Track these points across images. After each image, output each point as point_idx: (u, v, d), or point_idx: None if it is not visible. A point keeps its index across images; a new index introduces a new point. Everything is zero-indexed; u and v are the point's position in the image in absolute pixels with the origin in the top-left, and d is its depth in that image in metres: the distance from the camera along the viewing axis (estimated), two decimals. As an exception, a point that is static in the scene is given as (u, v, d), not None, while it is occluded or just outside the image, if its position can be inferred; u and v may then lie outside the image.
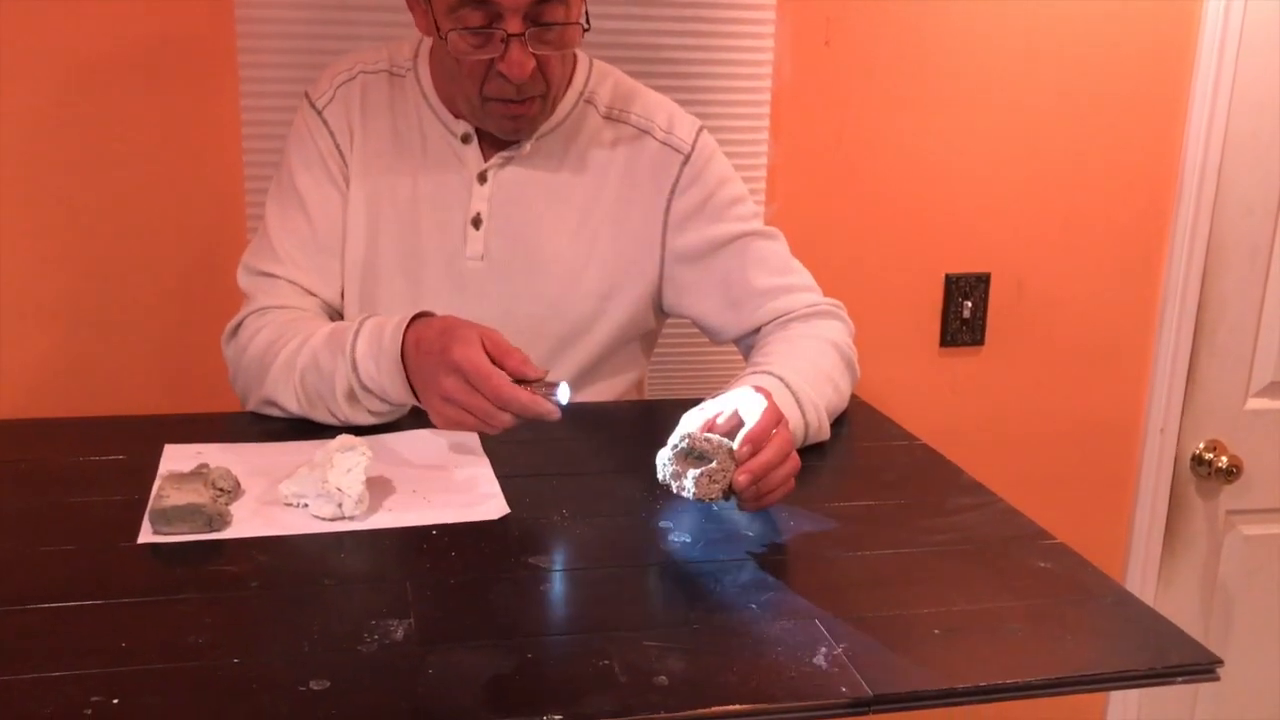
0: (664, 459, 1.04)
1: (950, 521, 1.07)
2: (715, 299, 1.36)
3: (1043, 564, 0.99)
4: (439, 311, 1.25)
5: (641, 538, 1.01)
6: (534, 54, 1.19)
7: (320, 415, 1.21)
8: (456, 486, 1.10)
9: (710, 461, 1.01)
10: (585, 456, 1.21)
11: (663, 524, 1.03)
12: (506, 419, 1.08)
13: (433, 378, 1.10)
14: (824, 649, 0.83)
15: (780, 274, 1.37)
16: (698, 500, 1.01)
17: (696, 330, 1.45)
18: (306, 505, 1.03)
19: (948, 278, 1.89)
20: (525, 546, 0.98)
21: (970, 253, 1.90)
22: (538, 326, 1.32)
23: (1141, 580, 2.09)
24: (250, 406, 1.28)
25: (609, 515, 1.05)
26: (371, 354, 1.16)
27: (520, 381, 1.07)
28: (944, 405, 1.94)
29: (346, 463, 1.04)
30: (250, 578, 0.91)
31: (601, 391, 1.38)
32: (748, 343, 1.38)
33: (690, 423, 1.06)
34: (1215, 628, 2.15)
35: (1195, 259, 1.94)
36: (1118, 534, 2.08)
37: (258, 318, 1.28)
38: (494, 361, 1.08)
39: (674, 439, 1.04)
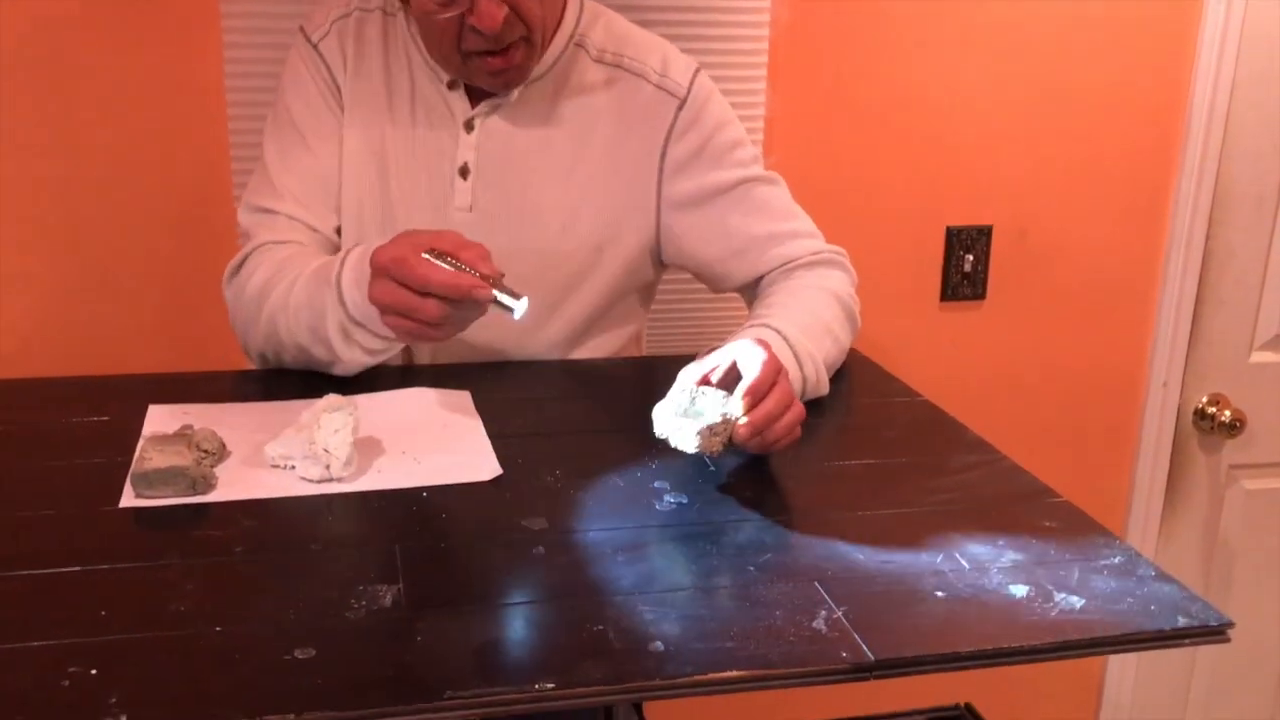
0: (663, 414, 1.01)
1: (954, 480, 1.04)
2: (715, 248, 1.33)
3: (1048, 523, 0.96)
4: None
5: (637, 499, 0.98)
6: (504, 1, 1.15)
7: (320, 354, 1.18)
8: (447, 447, 1.07)
9: (710, 415, 0.98)
10: (579, 416, 1.18)
11: (658, 484, 1.00)
12: (433, 306, 1.04)
13: (372, 289, 1.08)
14: (824, 612, 0.81)
15: (783, 220, 1.33)
16: (700, 453, 0.99)
17: (694, 283, 1.42)
18: (293, 467, 1.01)
19: (949, 230, 1.86)
20: (518, 509, 0.95)
21: (972, 205, 1.86)
22: (530, 279, 1.28)
23: (1142, 535, 2.08)
24: (251, 350, 1.26)
25: (603, 476, 1.02)
26: (356, 282, 1.12)
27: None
28: (944, 361, 1.91)
29: (334, 423, 1.01)
30: (234, 543, 0.89)
31: (599, 346, 1.35)
32: (751, 291, 1.35)
33: (688, 377, 1.03)
34: (1215, 582, 2.13)
35: (1201, 209, 1.91)
36: (1119, 489, 2.06)
37: (258, 255, 1.25)
38: (452, 258, 1.04)
39: (673, 394, 1.02)
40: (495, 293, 1.04)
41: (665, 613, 0.81)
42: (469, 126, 1.27)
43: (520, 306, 1.04)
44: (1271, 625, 2.16)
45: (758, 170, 1.34)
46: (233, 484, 0.99)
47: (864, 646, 0.77)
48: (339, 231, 1.30)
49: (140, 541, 0.90)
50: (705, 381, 1.03)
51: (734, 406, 0.99)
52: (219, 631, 0.77)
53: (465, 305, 1.05)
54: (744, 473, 1.03)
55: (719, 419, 0.98)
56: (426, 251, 1.04)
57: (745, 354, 1.03)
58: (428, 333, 1.07)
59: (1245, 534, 2.11)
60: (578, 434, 1.12)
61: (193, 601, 0.80)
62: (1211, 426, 2.02)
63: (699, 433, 0.98)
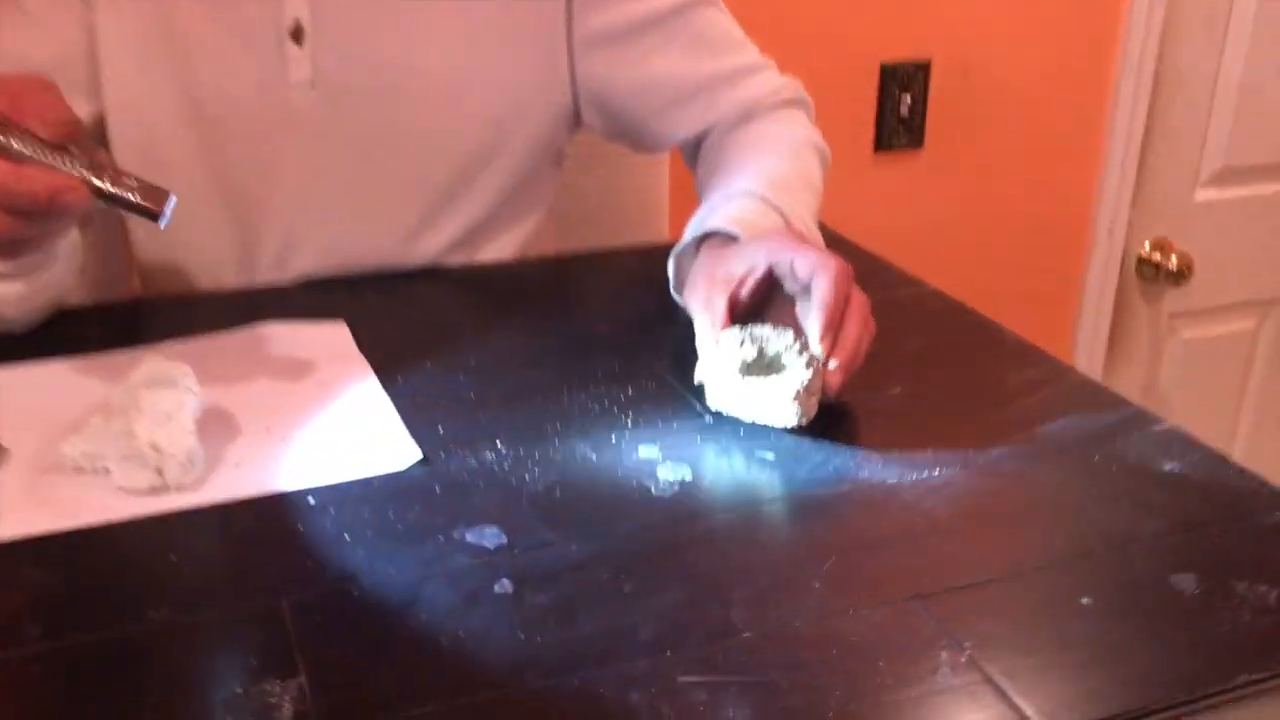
0: (722, 378, 0.73)
1: (1021, 409, 0.79)
2: (652, 97, 1.02)
3: (1170, 465, 0.72)
4: (252, 165, 0.89)
5: (623, 479, 0.69)
6: None
7: None
8: (331, 418, 0.76)
9: (793, 367, 0.72)
10: (503, 348, 0.88)
11: (645, 452, 0.72)
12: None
13: None
14: (944, 652, 0.55)
15: (731, 52, 1.04)
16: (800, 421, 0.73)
17: (600, 146, 1.12)
18: (108, 471, 0.68)
19: (883, 68, 1.59)
20: (456, 513, 0.65)
21: (908, 37, 1.59)
22: (412, 172, 0.96)
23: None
24: None
25: (565, 442, 0.72)
26: None
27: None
28: (877, 216, 1.66)
29: (162, 404, 0.68)
30: (25, 620, 0.57)
31: (508, 242, 1.04)
32: (694, 146, 1.06)
33: (719, 306, 0.76)
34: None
35: (1153, 30, 1.69)
36: (1061, 345, 1.88)
37: None
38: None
39: (720, 343, 0.74)
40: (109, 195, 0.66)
41: (722, 683, 0.53)
42: None
43: (164, 210, 0.68)
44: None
45: None
46: (17, 506, 0.66)
47: (1020, 704, 0.52)
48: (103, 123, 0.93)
49: None
50: (734, 300, 0.76)
51: (812, 344, 0.73)
52: (8, 812, 0.46)
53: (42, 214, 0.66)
54: (750, 425, 0.75)
55: (807, 369, 0.71)
56: None
57: (790, 259, 0.75)
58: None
59: (1183, 387, 1.98)
60: (511, 376, 0.82)
61: (-41, 751, 0.49)
62: (1156, 274, 1.85)
63: (796, 398, 0.71)
